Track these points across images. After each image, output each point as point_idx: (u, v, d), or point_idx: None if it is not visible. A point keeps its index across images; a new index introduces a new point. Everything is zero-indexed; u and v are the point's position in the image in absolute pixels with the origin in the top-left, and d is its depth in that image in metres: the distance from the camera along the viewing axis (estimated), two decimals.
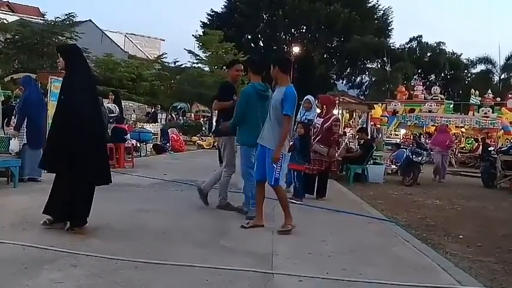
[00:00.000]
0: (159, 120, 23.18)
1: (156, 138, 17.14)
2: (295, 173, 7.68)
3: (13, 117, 9.57)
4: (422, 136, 22.13)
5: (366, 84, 52.23)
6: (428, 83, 44.41)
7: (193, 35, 37.19)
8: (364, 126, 15.49)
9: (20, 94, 9.52)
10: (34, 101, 7.99)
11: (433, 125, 21.13)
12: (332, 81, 52.50)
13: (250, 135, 5.90)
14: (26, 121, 7.80)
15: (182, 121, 26.75)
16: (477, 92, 28.09)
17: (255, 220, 5.50)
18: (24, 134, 7.79)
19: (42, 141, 8.79)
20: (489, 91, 28.91)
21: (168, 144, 17.34)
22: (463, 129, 21.89)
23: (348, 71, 54.17)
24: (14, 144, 7.71)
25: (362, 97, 39.74)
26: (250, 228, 5.37)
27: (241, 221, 5.72)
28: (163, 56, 36.04)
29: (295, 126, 7.58)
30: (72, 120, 4.68)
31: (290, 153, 6.51)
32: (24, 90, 8.21)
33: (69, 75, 4.82)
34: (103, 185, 4.91)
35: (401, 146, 17.03)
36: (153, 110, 24.97)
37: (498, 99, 28.36)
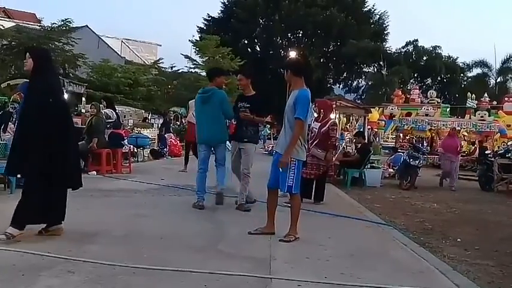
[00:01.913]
0: (155, 126, 23.12)
1: (154, 143, 17.13)
2: None
3: (9, 123, 9.54)
4: (424, 140, 22.15)
5: (362, 88, 52.44)
6: (424, 86, 44.59)
7: (189, 40, 37.27)
8: (361, 130, 15.51)
9: (17, 99, 9.48)
10: None
11: (430, 129, 21.14)
12: (329, 85, 52.67)
13: (197, 134, 7.09)
14: None
15: (178, 126, 26.72)
16: (473, 95, 28.16)
17: (265, 227, 5.35)
18: None
19: None
20: (485, 94, 28.99)
21: (165, 149, 17.33)
22: (465, 133, 21.84)
23: (345, 75, 54.40)
24: None
25: (359, 101, 39.81)
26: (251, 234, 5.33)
27: (239, 226, 5.73)
28: (160, 61, 36.06)
29: None
30: (63, 122, 4.66)
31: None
32: (23, 97, 8.19)
33: (45, 79, 4.65)
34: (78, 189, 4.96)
35: (399, 150, 17.06)
36: (165, 117, 24.19)
37: (494, 102, 28.43)
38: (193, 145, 12.25)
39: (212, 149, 7.12)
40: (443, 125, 20.50)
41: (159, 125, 21.74)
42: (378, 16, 52.27)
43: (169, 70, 35.62)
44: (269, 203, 5.42)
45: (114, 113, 12.12)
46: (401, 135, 23.91)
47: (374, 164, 12.58)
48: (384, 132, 25.54)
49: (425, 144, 21.79)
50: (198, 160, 7.18)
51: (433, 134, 22.08)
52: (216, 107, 6.82)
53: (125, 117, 20.04)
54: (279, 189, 5.40)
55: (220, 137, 6.97)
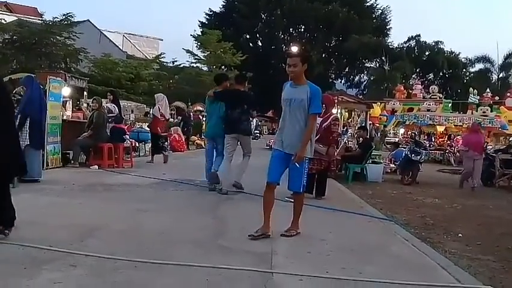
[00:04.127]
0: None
1: None
2: None
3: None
4: (433, 136, 22.10)
5: (364, 83, 52.51)
6: (426, 82, 44.59)
7: (191, 35, 37.36)
8: (363, 125, 15.51)
9: (21, 92, 9.45)
10: (36, 101, 7.98)
11: (430, 124, 21.13)
12: (331, 80, 52.68)
13: (206, 129, 8.78)
14: (27, 122, 7.77)
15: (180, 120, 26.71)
16: (475, 90, 28.15)
17: (265, 227, 4.99)
18: (27, 135, 7.75)
19: (43, 142, 8.81)
20: (487, 90, 28.97)
21: (166, 143, 17.31)
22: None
23: (347, 70, 54.40)
24: None
25: (361, 96, 39.78)
26: (248, 227, 5.30)
27: (240, 220, 5.74)
28: (162, 55, 36.02)
29: None
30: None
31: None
32: (26, 90, 8.19)
33: None
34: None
35: (400, 145, 17.09)
36: (184, 113, 23.67)
37: (496, 98, 28.41)
38: (154, 136, 13.20)
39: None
40: (445, 120, 20.52)
41: (179, 121, 21.80)
42: (380, 11, 52.31)
43: (171, 65, 35.61)
44: (268, 201, 5.03)
45: (116, 107, 12.12)
46: (386, 130, 23.89)
47: (375, 159, 12.58)
48: (386, 127, 25.56)
49: (433, 139, 21.79)
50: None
51: (433, 131, 22.11)
52: (218, 108, 8.05)
53: (126, 111, 20.03)
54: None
55: (220, 132, 8.02)
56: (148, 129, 14.35)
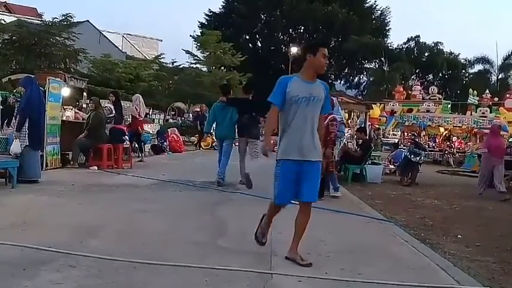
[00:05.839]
0: (156, 121, 23.11)
1: (155, 138, 17.14)
2: None
3: (13, 117, 9.52)
4: (437, 137, 22.05)
5: (364, 84, 52.37)
6: (426, 83, 44.46)
7: (191, 36, 37.35)
8: (363, 126, 15.49)
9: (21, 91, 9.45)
10: (36, 101, 7.98)
11: (431, 125, 21.11)
12: (330, 81, 52.53)
13: (216, 132, 9.68)
14: (27, 122, 7.77)
15: (180, 121, 26.75)
16: (475, 91, 28.12)
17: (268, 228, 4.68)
18: (26, 135, 7.75)
19: (42, 142, 8.81)
20: (487, 91, 28.94)
21: (165, 143, 17.32)
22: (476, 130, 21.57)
23: (346, 71, 54.26)
24: (16, 146, 7.63)
25: (360, 97, 39.77)
26: (247, 228, 5.28)
27: (239, 221, 5.74)
28: (161, 56, 35.96)
29: None
30: None
31: None
32: (25, 91, 8.18)
33: None
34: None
35: (400, 146, 17.08)
36: (198, 110, 23.80)
37: (496, 99, 28.38)
38: (136, 135, 13.42)
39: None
40: (445, 121, 20.52)
41: (192, 119, 21.83)
42: (379, 12, 52.12)
43: (171, 65, 35.53)
44: (277, 212, 4.49)
45: (112, 107, 12.09)
46: (379, 133, 23.82)
47: (375, 160, 12.57)
48: (385, 129, 25.56)
49: (436, 141, 21.77)
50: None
51: (436, 132, 22.08)
52: (230, 113, 8.93)
53: (125, 112, 20.01)
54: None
55: (229, 134, 9.11)
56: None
